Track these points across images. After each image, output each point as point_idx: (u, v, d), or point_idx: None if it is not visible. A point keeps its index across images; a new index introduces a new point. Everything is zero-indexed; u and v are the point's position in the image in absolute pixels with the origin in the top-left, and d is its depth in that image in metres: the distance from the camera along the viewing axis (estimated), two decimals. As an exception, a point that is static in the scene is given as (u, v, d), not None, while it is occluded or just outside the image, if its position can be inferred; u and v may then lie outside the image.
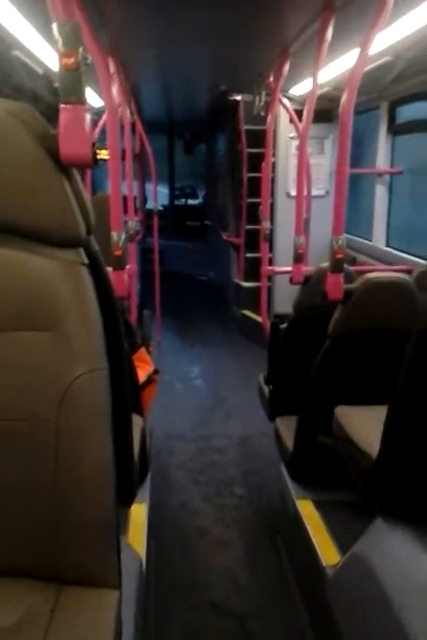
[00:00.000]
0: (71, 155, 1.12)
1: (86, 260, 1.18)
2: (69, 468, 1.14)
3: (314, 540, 2.16)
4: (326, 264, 2.49)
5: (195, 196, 10.75)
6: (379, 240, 4.75)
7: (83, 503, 1.16)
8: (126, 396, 1.30)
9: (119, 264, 2.50)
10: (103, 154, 2.78)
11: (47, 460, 1.14)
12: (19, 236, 1.12)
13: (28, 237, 1.12)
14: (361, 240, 5.03)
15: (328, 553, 2.07)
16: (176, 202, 10.43)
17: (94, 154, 1.18)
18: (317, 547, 2.12)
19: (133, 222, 4.16)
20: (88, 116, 1.21)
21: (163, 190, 9.51)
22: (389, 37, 2.93)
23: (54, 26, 1.31)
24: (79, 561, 1.19)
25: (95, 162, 1.19)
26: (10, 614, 1.10)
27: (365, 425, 1.91)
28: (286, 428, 2.72)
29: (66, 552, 1.17)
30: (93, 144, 1.18)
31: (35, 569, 1.19)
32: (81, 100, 1.22)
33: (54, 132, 1.13)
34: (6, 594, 1.16)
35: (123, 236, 2.53)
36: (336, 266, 2.34)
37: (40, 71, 3.36)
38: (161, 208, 8.68)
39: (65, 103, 1.22)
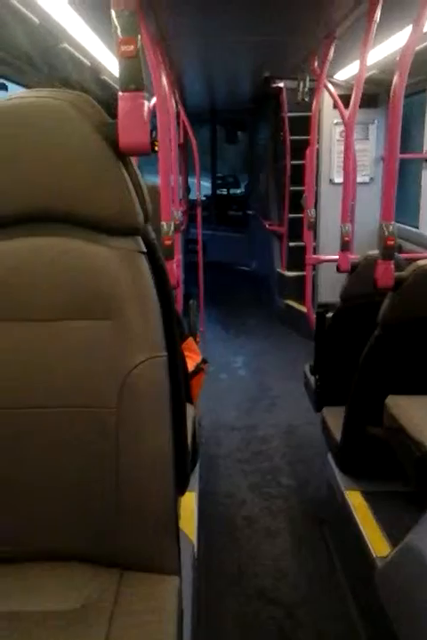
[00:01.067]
0: (130, 143, 1.12)
1: (144, 249, 1.19)
2: (131, 455, 1.16)
3: (363, 531, 2.14)
4: (373, 252, 2.45)
5: (237, 186, 10.70)
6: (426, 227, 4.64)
7: (144, 489, 1.17)
8: (180, 383, 1.31)
9: (169, 254, 2.51)
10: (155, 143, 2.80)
11: (109, 446, 1.16)
12: (79, 225, 1.14)
13: (87, 226, 1.14)
14: (408, 227, 4.93)
15: (378, 544, 2.05)
16: (218, 191, 10.41)
17: (152, 142, 1.19)
18: (366, 538, 2.09)
19: (178, 213, 4.18)
20: (146, 104, 1.20)
21: (205, 184, 9.48)
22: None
23: (113, 13, 1.31)
24: (140, 547, 1.20)
25: (153, 150, 1.20)
26: (75, 598, 1.13)
27: (418, 415, 1.88)
28: (334, 418, 2.69)
29: (128, 538, 1.19)
30: (151, 132, 1.19)
31: (98, 554, 1.22)
32: (140, 88, 1.22)
33: (113, 121, 1.13)
34: (71, 578, 1.19)
35: (172, 226, 2.54)
36: (387, 253, 2.29)
37: (88, 63, 3.40)
38: (203, 198, 8.68)
39: (124, 91, 1.22)
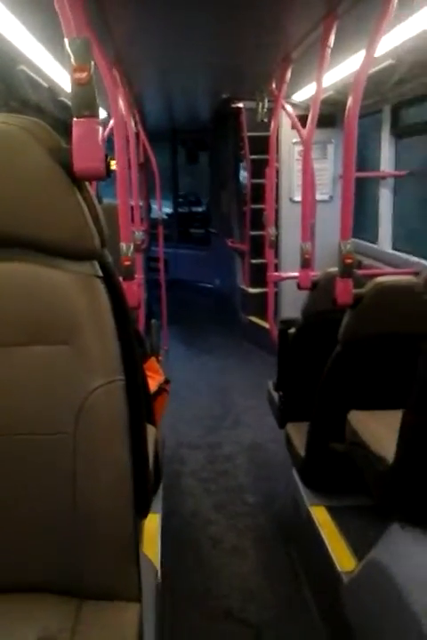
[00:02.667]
0: (85, 168, 1.13)
1: (101, 273, 1.18)
2: (88, 481, 1.14)
3: (329, 546, 2.15)
4: (333, 269, 2.49)
5: (199, 204, 10.75)
6: (385, 243, 4.74)
7: (101, 516, 1.16)
8: (141, 406, 1.31)
9: (129, 274, 2.51)
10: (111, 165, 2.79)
11: (66, 472, 1.14)
12: (34, 249, 1.13)
13: (43, 251, 1.13)
14: (367, 244, 5.03)
15: (343, 559, 2.06)
16: (180, 209, 10.44)
17: (107, 166, 1.19)
18: (332, 553, 2.10)
19: (139, 232, 4.17)
20: (100, 129, 1.21)
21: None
22: (391, 41, 2.93)
23: (66, 42, 1.31)
24: (99, 575, 1.18)
25: (108, 174, 1.20)
26: (31, 631, 1.10)
27: (379, 430, 1.91)
28: (298, 434, 2.71)
29: (86, 566, 1.17)
30: (106, 156, 1.19)
31: (55, 584, 1.19)
32: (94, 114, 1.23)
33: (66, 146, 1.13)
34: (28, 610, 1.15)
35: (131, 247, 2.54)
36: (345, 270, 2.34)
37: (45, 85, 3.38)
38: (165, 216, 8.69)
39: (78, 117, 1.22)
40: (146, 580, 1.38)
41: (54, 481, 1.15)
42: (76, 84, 1.25)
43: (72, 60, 1.30)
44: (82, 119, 1.23)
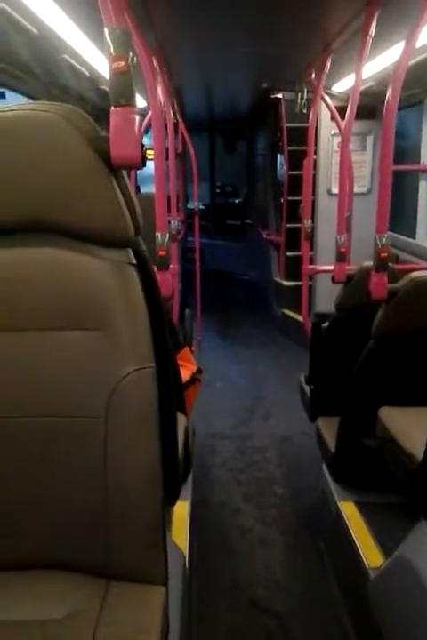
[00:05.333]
0: (121, 156, 1.14)
1: (134, 261, 1.20)
2: (118, 465, 1.16)
3: (357, 541, 2.14)
4: (368, 263, 2.46)
5: (236, 195, 10.72)
6: (423, 238, 4.65)
7: (131, 500, 1.18)
8: (171, 394, 1.32)
9: (164, 264, 2.52)
10: (148, 154, 2.80)
11: (96, 456, 1.16)
12: (69, 236, 1.15)
13: (77, 238, 1.15)
14: (405, 238, 4.95)
15: (371, 555, 2.05)
16: (217, 200, 10.44)
17: (144, 155, 1.20)
18: (360, 549, 2.10)
19: (175, 222, 4.19)
20: (137, 118, 1.22)
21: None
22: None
23: (106, 31, 1.33)
24: (127, 557, 1.21)
25: (144, 163, 1.21)
26: (60, 607, 1.13)
27: (410, 426, 1.89)
28: (328, 428, 2.70)
29: (114, 548, 1.20)
30: (142, 145, 1.20)
31: (84, 564, 1.22)
32: (131, 103, 1.24)
33: (104, 134, 1.15)
34: (56, 587, 1.19)
35: (167, 237, 2.55)
36: (380, 264, 2.31)
37: (86, 73, 3.42)
38: (202, 207, 8.70)
39: (115, 106, 1.23)
40: (174, 566, 1.40)
41: (85, 464, 1.18)
42: (115, 73, 1.26)
43: (111, 49, 1.32)
44: (119, 108, 1.23)
